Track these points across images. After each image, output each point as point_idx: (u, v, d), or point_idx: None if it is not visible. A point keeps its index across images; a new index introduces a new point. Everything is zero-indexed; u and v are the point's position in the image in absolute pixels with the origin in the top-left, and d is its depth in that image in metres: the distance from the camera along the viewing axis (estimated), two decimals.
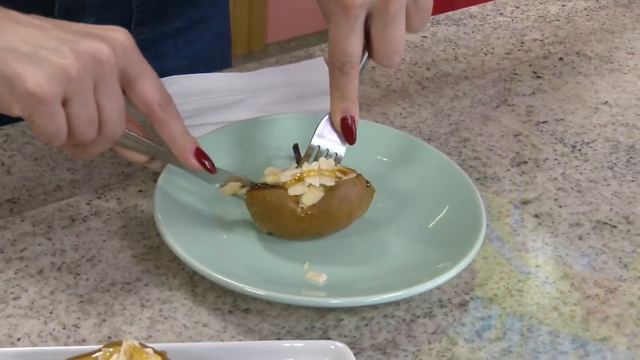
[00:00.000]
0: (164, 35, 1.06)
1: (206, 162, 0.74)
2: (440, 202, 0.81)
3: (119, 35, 0.67)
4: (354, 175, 0.76)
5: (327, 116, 0.79)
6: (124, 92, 0.69)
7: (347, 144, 0.80)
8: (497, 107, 1.00)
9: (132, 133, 0.72)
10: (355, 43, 0.74)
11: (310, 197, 0.74)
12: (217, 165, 0.76)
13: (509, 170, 0.90)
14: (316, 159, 0.79)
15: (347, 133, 0.79)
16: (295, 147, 0.84)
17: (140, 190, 0.84)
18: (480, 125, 0.97)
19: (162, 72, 1.03)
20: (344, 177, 0.75)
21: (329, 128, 0.79)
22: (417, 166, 0.85)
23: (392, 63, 0.77)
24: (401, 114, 0.98)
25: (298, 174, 0.75)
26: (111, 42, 0.66)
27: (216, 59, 1.14)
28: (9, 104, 0.65)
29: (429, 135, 0.94)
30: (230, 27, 1.19)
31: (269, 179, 0.76)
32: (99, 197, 0.83)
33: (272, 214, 0.75)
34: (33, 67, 0.63)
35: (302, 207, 0.74)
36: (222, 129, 0.86)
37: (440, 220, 0.80)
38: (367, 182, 0.78)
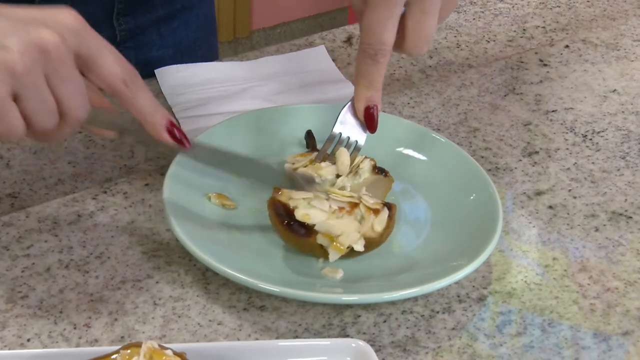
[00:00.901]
0: (147, 24, 1.04)
1: (178, 135, 0.69)
2: (457, 196, 0.79)
3: (66, 17, 0.62)
4: (386, 214, 0.73)
5: (349, 103, 0.77)
6: (83, 75, 0.64)
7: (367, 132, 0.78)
8: (505, 96, 0.98)
9: (98, 112, 0.68)
10: (392, 31, 0.72)
11: (337, 253, 0.72)
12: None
13: (520, 160, 0.88)
14: (337, 146, 0.77)
15: (370, 122, 0.77)
16: (309, 133, 0.83)
17: (147, 184, 0.81)
18: (489, 115, 0.95)
19: (147, 62, 1.01)
20: (377, 227, 0.72)
21: (350, 115, 0.78)
22: (431, 159, 0.83)
23: (421, 52, 0.75)
24: (409, 103, 0.96)
25: (332, 234, 0.71)
26: (58, 27, 0.61)
27: (202, 47, 1.12)
28: None
29: (438, 125, 0.92)
30: (215, 14, 1.16)
31: (299, 215, 0.72)
32: (105, 192, 0.80)
33: (293, 245, 0.73)
34: None
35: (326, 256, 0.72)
36: (235, 118, 0.84)
37: (457, 214, 0.78)
38: (386, 171, 0.77)
